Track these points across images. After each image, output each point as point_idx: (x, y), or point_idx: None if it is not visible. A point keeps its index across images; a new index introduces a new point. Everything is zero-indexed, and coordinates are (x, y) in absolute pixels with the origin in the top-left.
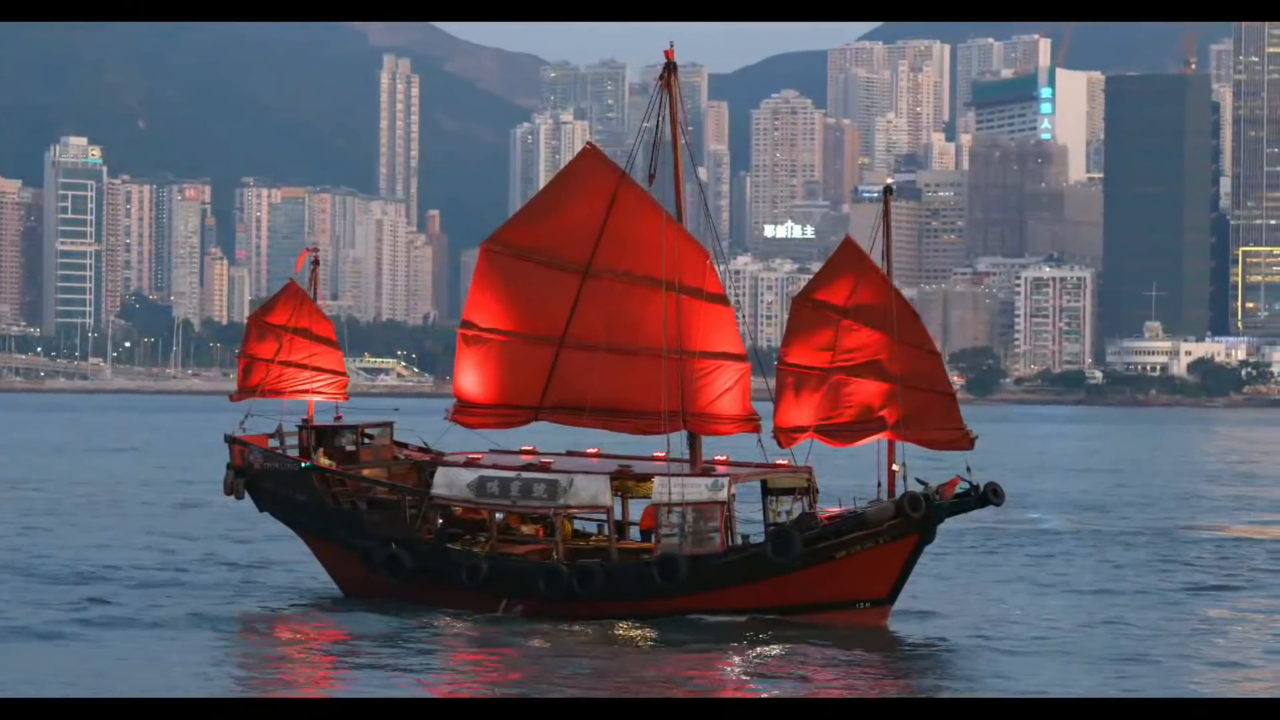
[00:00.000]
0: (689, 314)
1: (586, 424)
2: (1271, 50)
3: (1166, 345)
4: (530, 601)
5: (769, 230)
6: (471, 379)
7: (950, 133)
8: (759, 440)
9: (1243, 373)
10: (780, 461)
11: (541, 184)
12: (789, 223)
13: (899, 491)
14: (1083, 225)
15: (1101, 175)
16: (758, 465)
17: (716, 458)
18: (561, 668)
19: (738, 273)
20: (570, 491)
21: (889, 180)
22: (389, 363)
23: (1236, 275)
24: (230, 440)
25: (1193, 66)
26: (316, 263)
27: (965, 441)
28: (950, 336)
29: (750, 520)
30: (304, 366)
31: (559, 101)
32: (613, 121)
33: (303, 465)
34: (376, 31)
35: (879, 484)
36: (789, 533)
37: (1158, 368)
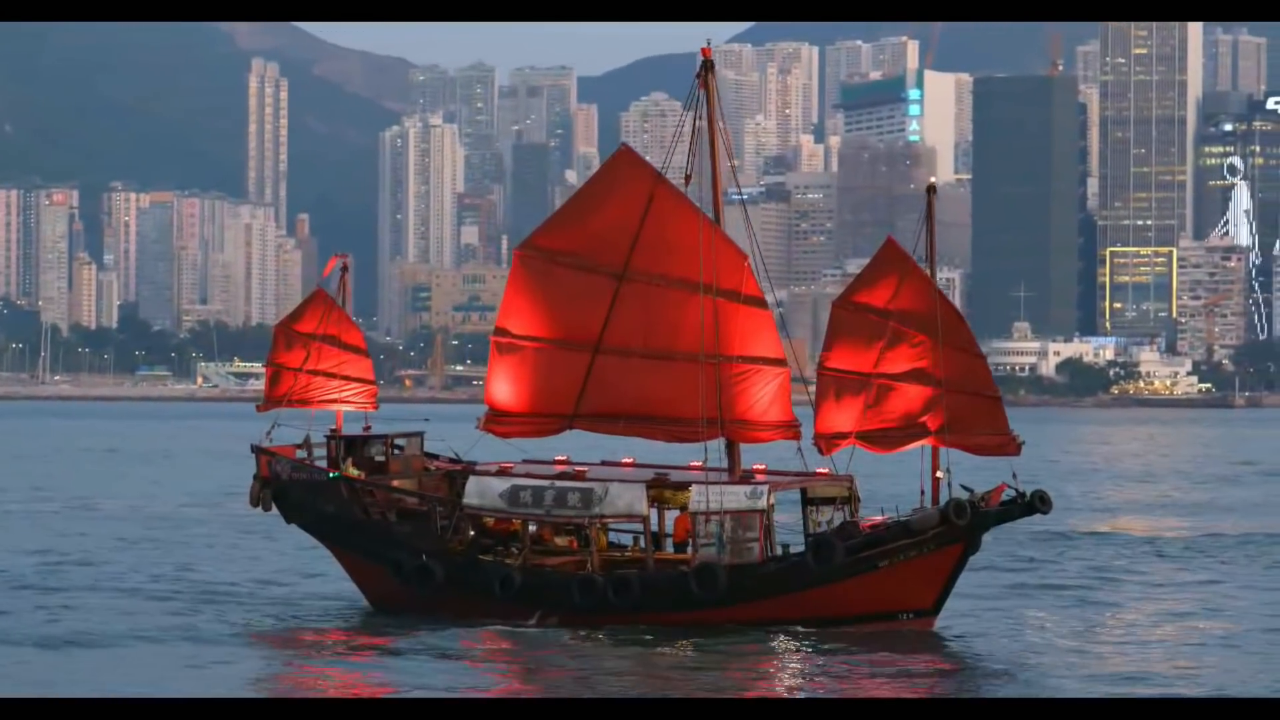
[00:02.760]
0: (727, 318)
1: (622, 432)
2: (1137, 51)
3: (1035, 346)
4: (564, 613)
5: None
6: (504, 387)
7: (819, 135)
8: (798, 448)
9: (1111, 373)
10: (820, 470)
11: (411, 188)
12: None
13: (943, 499)
14: (951, 226)
15: (969, 176)
16: (797, 473)
17: (755, 466)
18: (593, 670)
19: None
20: (605, 501)
21: (932, 179)
22: (258, 367)
23: (1104, 276)
24: (257, 450)
25: (1059, 68)
26: (345, 269)
27: (1012, 447)
28: (820, 338)
29: (786, 530)
30: (332, 375)
31: (428, 104)
32: (482, 124)
33: (331, 476)
34: (244, 35)
35: (922, 491)
36: (830, 542)
37: (1026, 368)
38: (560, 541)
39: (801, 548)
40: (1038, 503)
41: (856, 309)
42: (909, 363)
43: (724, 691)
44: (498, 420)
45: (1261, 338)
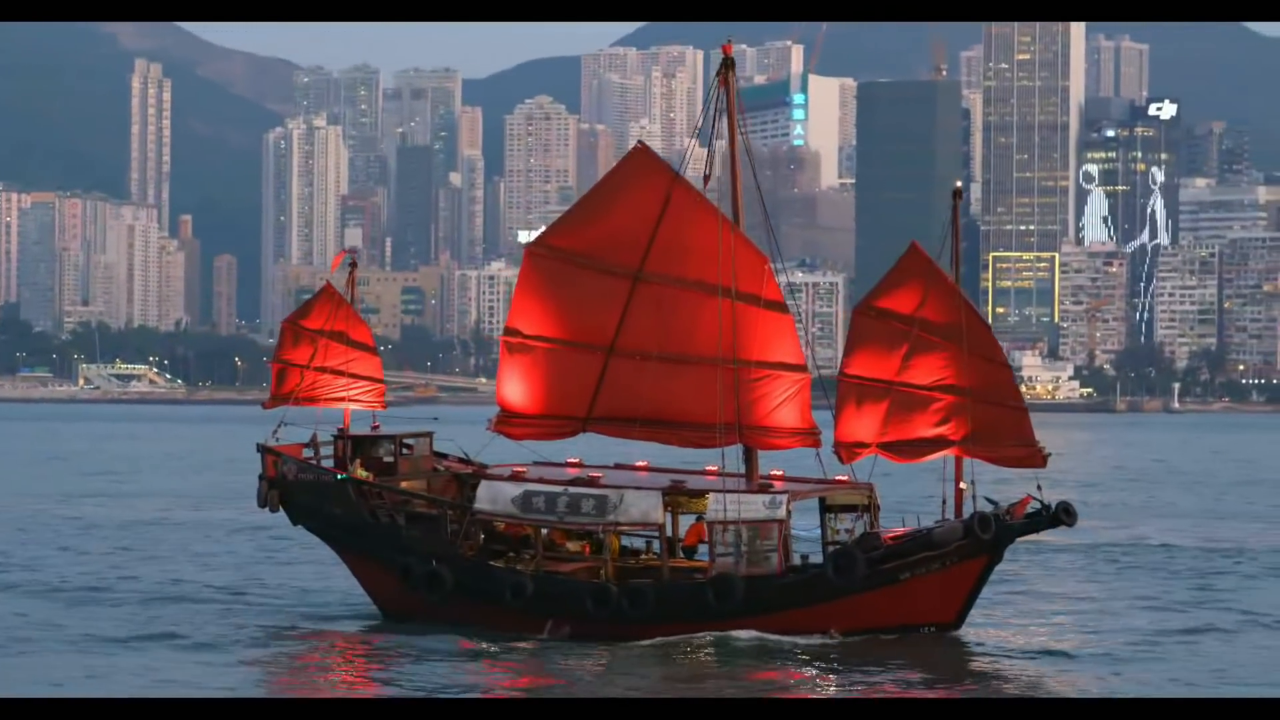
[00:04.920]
0: (746, 321)
1: (636, 436)
2: (1020, 57)
3: None
4: (577, 623)
5: (523, 235)
6: (515, 388)
7: (703, 138)
8: (817, 455)
9: None
10: (839, 477)
11: (295, 189)
12: (543, 228)
13: (967, 511)
14: (835, 230)
15: (853, 180)
16: (816, 481)
17: (772, 473)
18: (607, 674)
19: (492, 279)
20: (621, 507)
21: (957, 184)
22: (140, 369)
23: (987, 280)
24: (263, 450)
25: (943, 73)
26: (354, 265)
27: (1037, 459)
28: None
29: (801, 539)
30: (340, 373)
31: (312, 106)
32: (366, 126)
33: (338, 477)
34: (127, 35)
35: (943, 502)
36: (852, 553)
37: None
38: (573, 546)
39: (820, 557)
40: (1063, 515)
41: (880, 315)
42: (934, 372)
43: (725, 691)
44: (509, 421)
45: (1142, 342)
